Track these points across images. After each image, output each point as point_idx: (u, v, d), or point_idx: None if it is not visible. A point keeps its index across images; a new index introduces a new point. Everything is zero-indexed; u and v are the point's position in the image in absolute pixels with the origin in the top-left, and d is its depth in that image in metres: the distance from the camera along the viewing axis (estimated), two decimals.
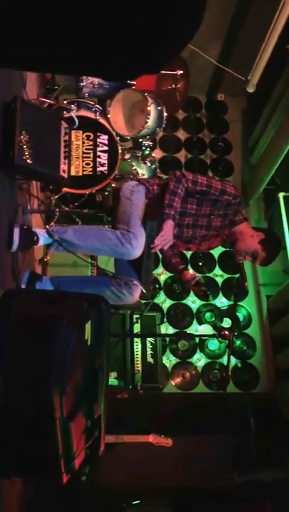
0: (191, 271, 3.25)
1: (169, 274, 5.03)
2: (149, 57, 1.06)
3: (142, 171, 3.96)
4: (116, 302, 3.00)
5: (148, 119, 3.72)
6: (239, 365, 4.88)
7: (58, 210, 3.29)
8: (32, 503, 3.17)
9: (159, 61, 1.10)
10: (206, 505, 3.87)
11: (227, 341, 3.04)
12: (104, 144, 3.58)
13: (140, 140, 4.04)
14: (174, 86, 4.08)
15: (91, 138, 3.56)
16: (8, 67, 1.48)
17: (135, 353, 3.95)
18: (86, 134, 3.54)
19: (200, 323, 4.93)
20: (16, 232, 2.49)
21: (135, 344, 3.97)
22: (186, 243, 3.13)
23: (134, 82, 3.80)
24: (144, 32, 0.99)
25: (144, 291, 2.99)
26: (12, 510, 2.78)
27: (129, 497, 3.84)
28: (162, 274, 5.04)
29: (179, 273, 3.21)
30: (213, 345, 4.86)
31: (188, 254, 4.97)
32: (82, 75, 3.47)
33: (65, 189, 3.49)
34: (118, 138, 3.68)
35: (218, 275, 5.15)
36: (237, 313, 4.91)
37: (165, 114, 3.88)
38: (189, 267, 5.02)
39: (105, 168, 3.60)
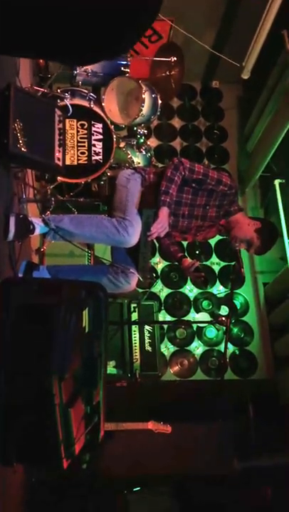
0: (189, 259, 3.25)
1: (166, 263, 5.03)
2: (107, 44, 1.06)
3: (138, 159, 3.94)
4: (113, 290, 3.00)
5: (142, 106, 3.70)
6: (237, 352, 4.90)
7: (53, 199, 3.28)
8: (34, 491, 3.19)
9: (118, 47, 1.11)
10: (206, 492, 3.91)
11: (224, 328, 3.05)
12: (99, 133, 3.56)
13: (135, 128, 4.02)
14: (168, 73, 4.05)
15: (85, 127, 3.53)
16: None
17: (133, 342, 3.97)
18: (80, 122, 3.52)
19: (197, 311, 4.95)
20: (12, 221, 2.49)
21: (133, 333, 3.99)
22: (182, 233, 3.14)
23: (128, 70, 3.77)
24: (102, 20, 0.99)
25: (141, 279, 3.00)
26: (14, 498, 2.80)
27: (130, 484, 3.88)
28: (159, 263, 5.05)
29: (177, 261, 3.21)
30: (211, 332, 4.88)
31: (185, 242, 4.97)
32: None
33: (60, 178, 3.47)
34: (113, 126, 3.66)
35: (215, 263, 5.16)
36: (234, 301, 4.92)
37: (160, 101, 3.85)
38: (186, 255, 5.02)
39: (100, 157, 3.58)
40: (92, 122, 3.54)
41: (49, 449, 1.68)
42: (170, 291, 5.01)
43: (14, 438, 1.68)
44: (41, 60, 3.74)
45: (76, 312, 1.81)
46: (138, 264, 2.95)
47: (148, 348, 3.99)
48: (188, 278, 4.61)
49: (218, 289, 5.07)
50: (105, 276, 2.96)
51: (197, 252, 5.12)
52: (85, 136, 3.54)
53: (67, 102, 3.29)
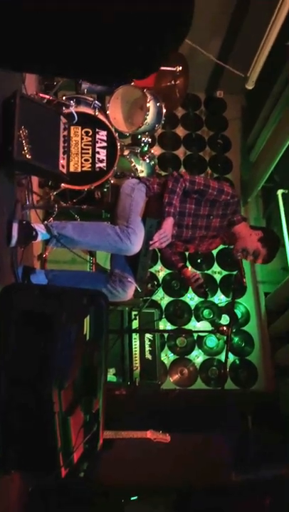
0: (190, 269, 3.25)
1: (168, 271, 5.03)
2: (136, 66, 1.08)
3: (141, 167, 3.96)
4: (110, 299, 2.98)
5: (147, 115, 3.72)
6: (237, 362, 4.88)
7: (56, 206, 3.29)
8: (31, 498, 3.17)
9: (147, 68, 1.13)
10: (205, 502, 3.88)
11: (225, 337, 3.04)
12: (103, 140, 3.58)
13: (139, 137, 4.04)
14: (173, 83, 4.07)
15: (90, 134, 3.55)
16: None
17: (133, 350, 3.95)
18: (85, 130, 3.54)
19: (198, 320, 4.94)
20: (15, 227, 2.49)
21: (133, 341, 3.98)
22: (185, 243, 3.14)
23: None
24: (133, 43, 1.01)
25: (139, 289, 2.99)
26: (12, 506, 2.78)
27: (127, 493, 3.85)
28: (161, 271, 5.05)
29: (178, 271, 3.22)
30: (212, 342, 4.86)
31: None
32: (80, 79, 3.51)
33: (63, 185, 3.49)
34: (117, 134, 3.68)
35: (217, 272, 5.15)
36: (235, 310, 4.91)
37: (164, 110, 3.87)
38: (188, 264, 5.01)
39: (104, 164, 3.60)
40: (97, 130, 3.55)
41: (47, 458, 1.67)
42: (171, 299, 5.00)
43: (13, 445, 1.67)
44: None
45: (77, 319, 1.81)
46: (137, 273, 2.94)
47: (148, 356, 3.98)
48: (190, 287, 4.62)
49: (220, 298, 5.06)
50: (102, 283, 2.95)
51: (199, 260, 5.12)
52: (89, 143, 3.56)
53: (72, 109, 3.31)
